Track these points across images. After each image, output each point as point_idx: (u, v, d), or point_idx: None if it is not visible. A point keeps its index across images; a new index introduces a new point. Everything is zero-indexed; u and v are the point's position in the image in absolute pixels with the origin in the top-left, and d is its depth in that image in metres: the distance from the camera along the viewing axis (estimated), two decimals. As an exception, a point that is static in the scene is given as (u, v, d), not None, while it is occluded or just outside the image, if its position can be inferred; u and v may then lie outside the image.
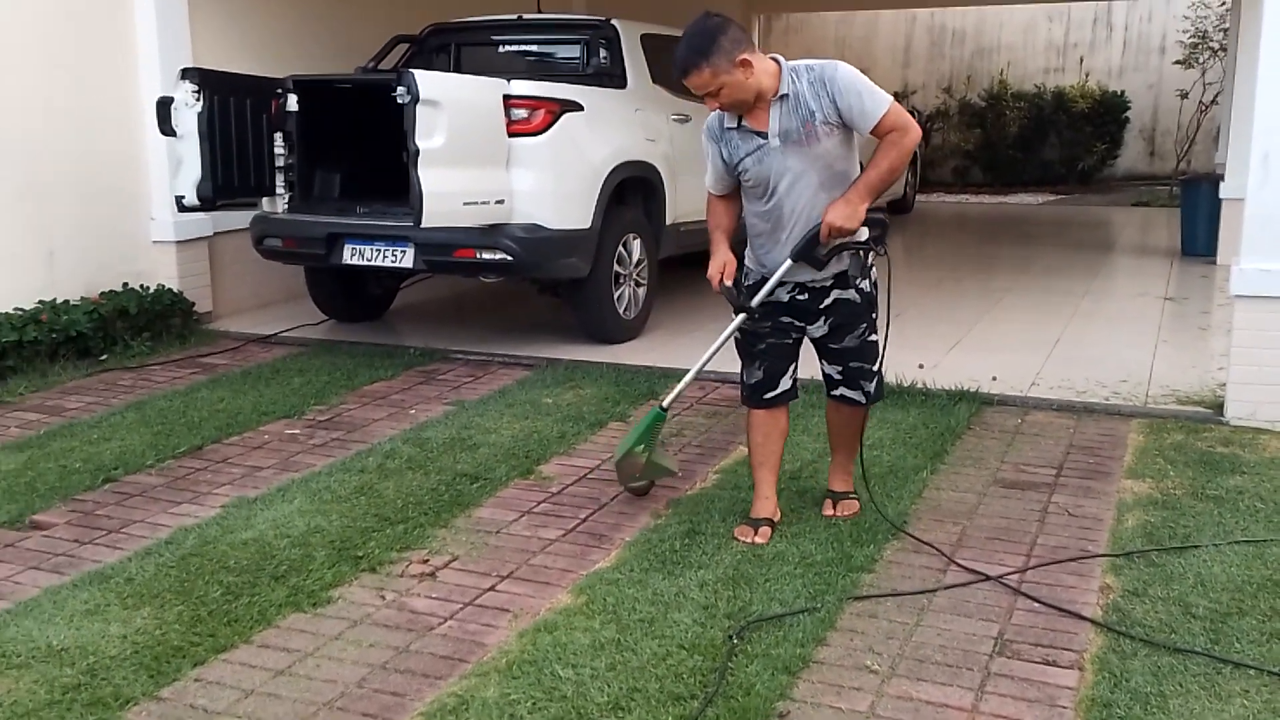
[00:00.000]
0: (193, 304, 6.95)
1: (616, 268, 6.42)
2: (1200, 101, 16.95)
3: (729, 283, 3.69)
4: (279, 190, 6.23)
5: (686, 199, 7.18)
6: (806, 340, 3.86)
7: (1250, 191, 4.77)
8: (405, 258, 5.93)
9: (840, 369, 3.83)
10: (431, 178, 5.26)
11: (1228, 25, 13.93)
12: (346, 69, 7.16)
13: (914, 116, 3.91)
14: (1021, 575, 3.47)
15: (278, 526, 3.87)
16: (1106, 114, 18.28)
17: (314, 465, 4.53)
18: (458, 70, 7.06)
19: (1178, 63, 17.19)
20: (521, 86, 5.75)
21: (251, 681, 2.89)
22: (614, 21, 6.87)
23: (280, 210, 6.28)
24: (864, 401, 3.87)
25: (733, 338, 3.87)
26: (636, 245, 6.61)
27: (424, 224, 5.33)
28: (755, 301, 3.71)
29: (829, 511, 3.97)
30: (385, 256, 5.97)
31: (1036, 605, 3.27)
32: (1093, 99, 18.24)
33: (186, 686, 2.87)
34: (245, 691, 2.84)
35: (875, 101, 3.46)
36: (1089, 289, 8.51)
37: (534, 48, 7.16)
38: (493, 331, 6.95)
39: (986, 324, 7.08)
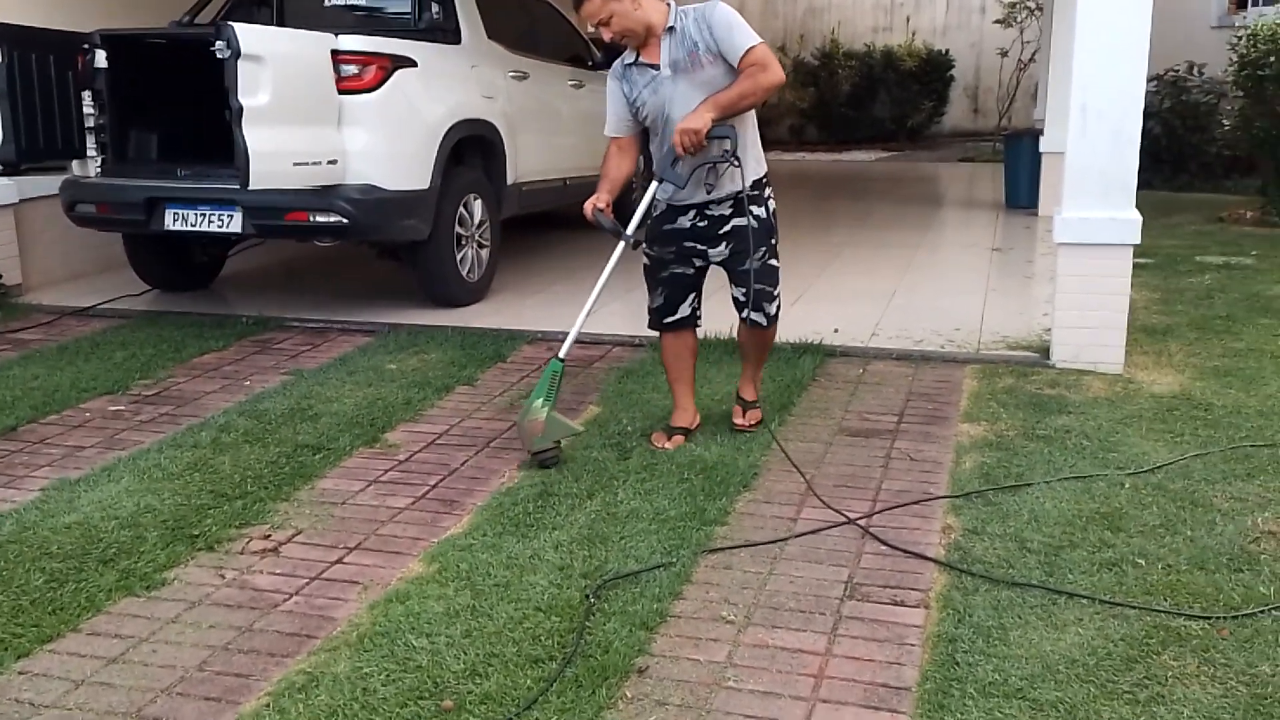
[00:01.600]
0: (0, 276, 6.49)
1: (458, 229, 6.27)
2: (1019, 59, 17.66)
3: (602, 208, 3.96)
4: (90, 152, 5.83)
5: (528, 158, 7.08)
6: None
7: (1070, 142, 4.96)
8: (233, 222, 5.65)
9: (745, 290, 4.08)
10: (257, 137, 5.01)
11: (1043, -14, 14.47)
12: (162, 23, 6.74)
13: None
14: (868, 519, 3.55)
15: (104, 508, 3.64)
16: (932, 72, 18.88)
17: (142, 442, 4.29)
18: (281, 24, 6.74)
19: (997, 22, 17.83)
20: (351, 41, 5.52)
21: (81, 671, 2.71)
22: (446, -26, 6.67)
23: (92, 174, 5.89)
24: (765, 324, 4.17)
25: (642, 268, 4.21)
26: (478, 206, 6.47)
27: (251, 186, 5.08)
28: (630, 229, 4.01)
29: (738, 419, 4.32)
30: (211, 221, 5.67)
31: (884, 548, 3.35)
32: (919, 58, 18.80)
33: (10, 681, 2.68)
34: (75, 682, 2.67)
35: (744, 36, 3.84)
36: (922, 242, 8.79)
37: (361, 1, 6.88)
38: (331, 297, 6.71)
39: (827, 278, 7.23)
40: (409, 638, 2.83)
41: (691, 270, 4.15)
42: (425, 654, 2.76)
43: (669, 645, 2.82)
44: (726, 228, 4.05)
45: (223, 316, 6.18)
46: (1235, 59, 10.09)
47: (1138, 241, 4.97)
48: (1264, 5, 13.05)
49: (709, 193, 3.99)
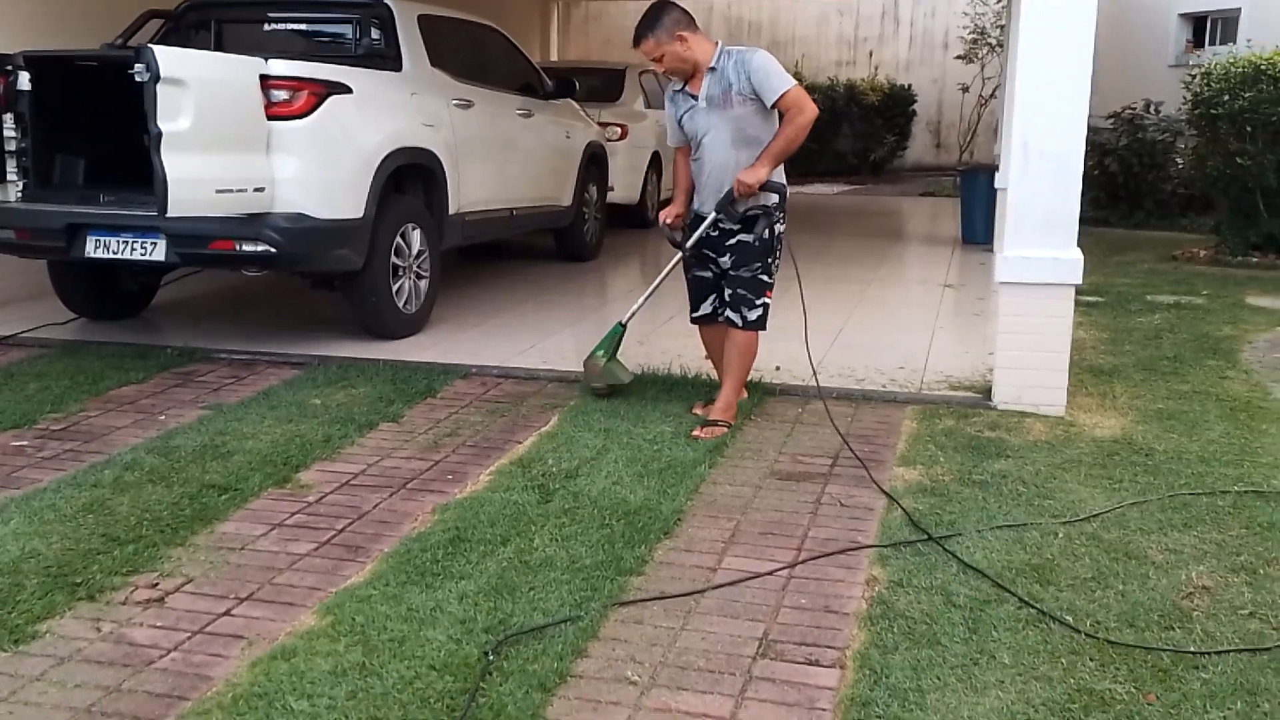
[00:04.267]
0: (-81, 303, 6.27)
1: (395, 259, 6.10)
2: (980, 95, 17.76)
3: (671, 225, 4.77)
4: (10, 177, 5.63)
5: (472, 187, 6.94)
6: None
7: (1012, 180, 4.88)
8: (156, 250, 5.46)
9: (730, 293, 4.67)
10: (177, 163, 4.83)
11: (1004, 22, 14.58)
12: (95, 45, 6.56)
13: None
14: (790, 571, 3.40)
15: (-14, 553, 3.44)
16: (895, 107, 18.97)
17: (39, 481, 4.08)
18: (219, 49, 6.57)
19: (959, 58, 17.97)
20: (280, 66, 5.35)
21: (-73, 738, 2.52)
22: (388, 1, 6.53)
23: (12, 199, 5.69)
24: (740, 325, 4.67)
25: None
26: (416, 236, 6.31)
27: (170, 213, 4.89)
28: (689, 243, 4.72)
29: (696, 432, 4.60)
30: (133, 249, 5.48)
31: (803, 601, 3.20)
32: (882, 92, 18.89)
33: None
34: (-83, 751, 2.47)
35: (780, 81, 4.46)
36: (876, 276, 8.71)
37: (302, 27, 6.73)
38: (263, 329, 6.52)
39: (776, 313, 7.06)
40: (288, 699, 2.65)
41: (710, 274, 4.76)
42: (304, 717, 2.58)
43: (566, 708, 2.65)
44: (732, 241, 4.65)
45: (147, 347, 5.97)
46: (1190, 98, 10.12)
47: (1079, 281, 4.88)
48: (1220, 44, 13.16)
49: (736, 221, 4.64)
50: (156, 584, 3.28)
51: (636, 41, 4.58)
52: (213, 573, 3.36)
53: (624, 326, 5.00)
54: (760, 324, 4.72)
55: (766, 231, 4.62)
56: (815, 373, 5.03)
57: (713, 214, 4.63)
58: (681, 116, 4.67)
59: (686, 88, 4.64)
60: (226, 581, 3.30)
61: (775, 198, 4.58)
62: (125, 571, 3.34)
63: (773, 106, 4.48)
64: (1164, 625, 3.05)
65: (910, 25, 19.35)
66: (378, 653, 2.88)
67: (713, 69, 4.53)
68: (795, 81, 4.52)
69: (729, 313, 4.70)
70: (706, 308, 4.83)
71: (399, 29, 6.50)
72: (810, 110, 4.46)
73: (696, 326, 4.99)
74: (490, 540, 3.58)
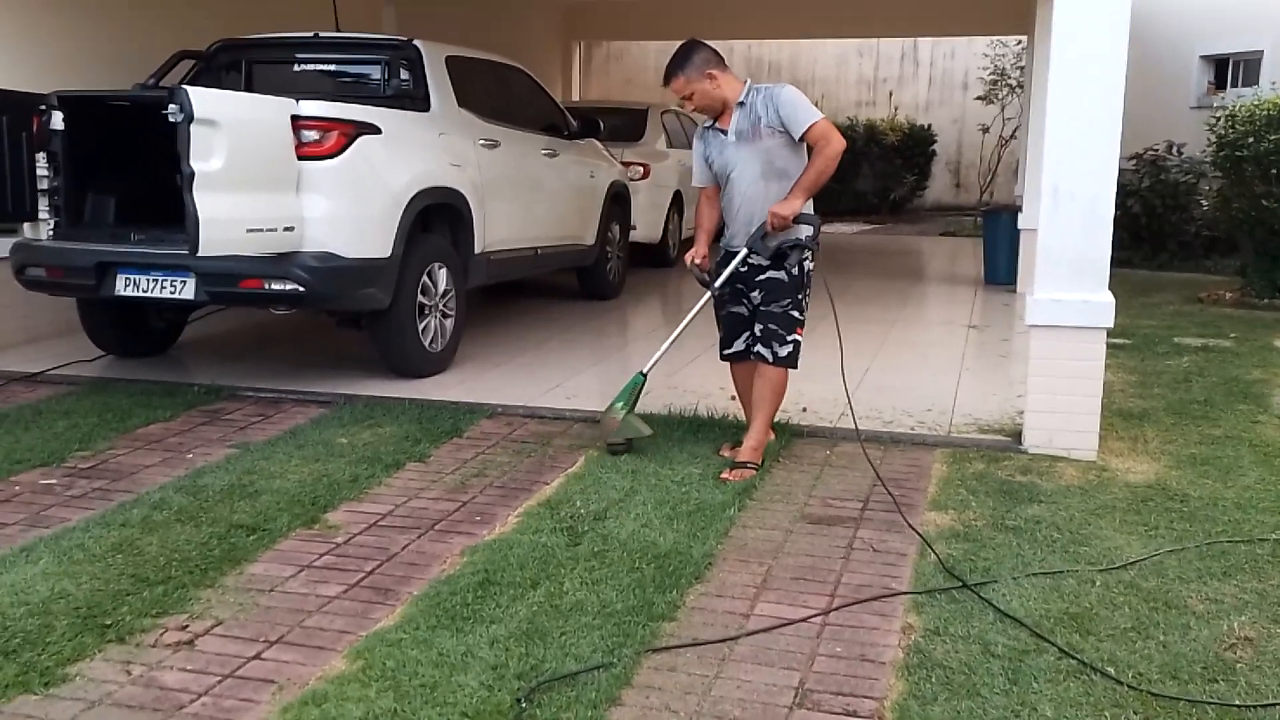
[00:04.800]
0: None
1: (421, 298, 6.12)
2: (1000, 136, 17.79)
3: (699, 262, 4.73)
4: (42, 215, 5.69)
5: (498, 226, 6.96)
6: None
7: (1042, 223, 4.86)
8: (185, 289, 5.49)
9: (761, 328, 4.68)
10: (209, 202, 4.87)
11: (1024, 64, 14.63)
12: (127, 85, 6.64)
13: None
14: (825, 618, 3.36)
15: (16, 592, 3.43)
16: (915, 147, 19.01)
17: (68, 520, 4.07)
18: (250, 90, 6.65)
19: (979, 98, 18.02)
20: (311, 107, 5.40)
21: (-43, 783, 2.49)
22: (416, 42, 6.60)
23: (44, 237, 5.74)
24: (770, 360, 4.67)
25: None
26: (443, 275, 6.33)
27: (201, 252, 4.92)
28: (719, 282, 4.70)
29: (725, 475, 4.58)
30: (163, 287, 5.51)
31: (838, 649, 3.16)
32: (902, 132, 18.94)
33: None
34: (-52, 796, 2.45)
35: (807, 114, 4.51)
36: (899, 317, 8.68)
37: (331, 68, 6.80)
38: (289, 366, 6.54)
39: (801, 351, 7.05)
40: (320, 746, 2.62)
41: (745, 311, 4.76)
42: (336, 766, 2.55)
43: (601, 758, 2.61)
44: (762, 277, 4.66)
45: (174, 385, 5.99)
46: (1214, 139, 10.10)
47: (1111, 325, 4.84)
48: (1242, 86, 13.16)
49: (767, 257, 4.63)
50: (186, 626, 3.26)
51: (667, 80, 4.64)
52: (242, 615, 3.34)
53: (645, 376, 4.93)
54: (792, 361, 4.71)
55: (797, 267, 4.63)
56: (853, 409, 5.03)
57: (743, 250, 4.64)
58: (710, 153, 4.71)
59: (716, 124, 4.69)
60: (256, 624, 3.28)
61: (808, 230, 4.60)
62: (155, 613, 3.32)
63: (801, 139, 4.52)
64: (1207, 677, 2.99)
65: (930, 66, 19.43)
66: (409, 698, 2.85)
67: (741, 104, 4.58)
68: (823, 114, 4.57)
69: (759, 348, 4.70)
70: (739, 345, 4.82)
71: (427, 69, 6.56)
72: (838, 141, 4.49)
73: (727, 365, 4.97)
74: (520, 583, 3.55)
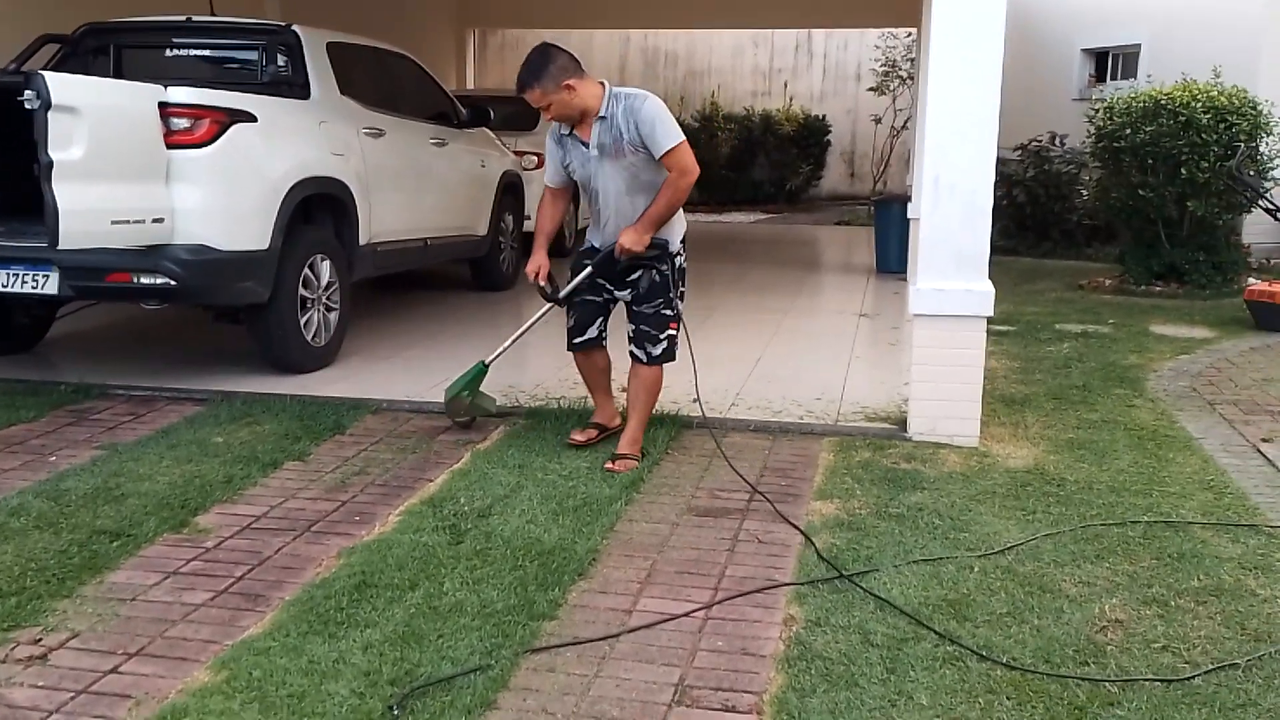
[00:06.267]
0: None
1: (303, 291, 5.94)
2: (892, 126, 18.08)
3: (542, 282, 4.67)
4: (-109, 206, 5.38)
5: (385, 217, 6.80)
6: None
7: (924, 213, 4.91)
8: (48, 284, 5.23)
9: (634, 329, 4.68)
10: (69, 193, 4.64)
11: (914, 55, 14.89)
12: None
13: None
14: (707, 612, 3.33)
15: None
16: (810, 137, 19.20)
17: (-84, 530, 3.85)
18: (119, 76, 6.37)
19: (871, 89, 18.29)
20: (181, 94, 5.18)
21: None
22: (295, 28, 6.39)
23: (-104, 229, 5.42)
24: (645, 360, 4.67)
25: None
26: (326, 267, 6.16)
27: (61, 245, 4.69)
28: (562, 295, 4.70)
29: (609, 465, 4.55)
30: (24, 282, 5.24)
31: (720, 643, 3.13)
32: (797, 122, 19.11)
33: None
34: None
35: (666, 135, 4.38)
36: (793, 306, 8.74)
37: (206, 53, 6.55)
38: (164, 363, 6.29)
39: (694, 343, 7.00)
40: (177, 764, 2.50)
41: (599, 299, 4.72)
42: (193, 784, 2.43)
43: (474, 765, 2.54)
44: (632, 276, 4.63)
45: (39, 384, 5.72)
46: (1093, 130, 10.38)
47: (991, 314, 4.92)
48: (1121, 79, 13.57)
49: (613, 279, 4.66)
50: (39, 639, 3.09)
51: (520, 89, 4.43)
52: (100, 626, 3.18)
53: (486, 367, 5.01)
54: (667, 356, 4.70)
55: (668, 267, 4.60)
56: (701, 405, 5.03)
57: (588, 268, 4.63)
58: (571, 161, 4.59)
59: (575, 132, 4.53)
60: (115, 636, 3.13)
61: (659, 249, 4.56)
62: (6, 627, 3.15)
63: (660, 160, 4.41)
64: (1079, 660, 3.04)
65: (824, 57, 19.63)
66: (275, 710, 2.74)
67: (602, 117, 4.42)
68: (682, 137, 4.43)
69: (632, 348, 4.69)
70: (592, 331, 4.78)
71: (307, 56, 6.37)
72: (693, 172, 4.43)
73: (574, 355, 4.90)
74: (398, 585, 3.46)
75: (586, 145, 4.49)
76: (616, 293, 4.71)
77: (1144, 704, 2.81)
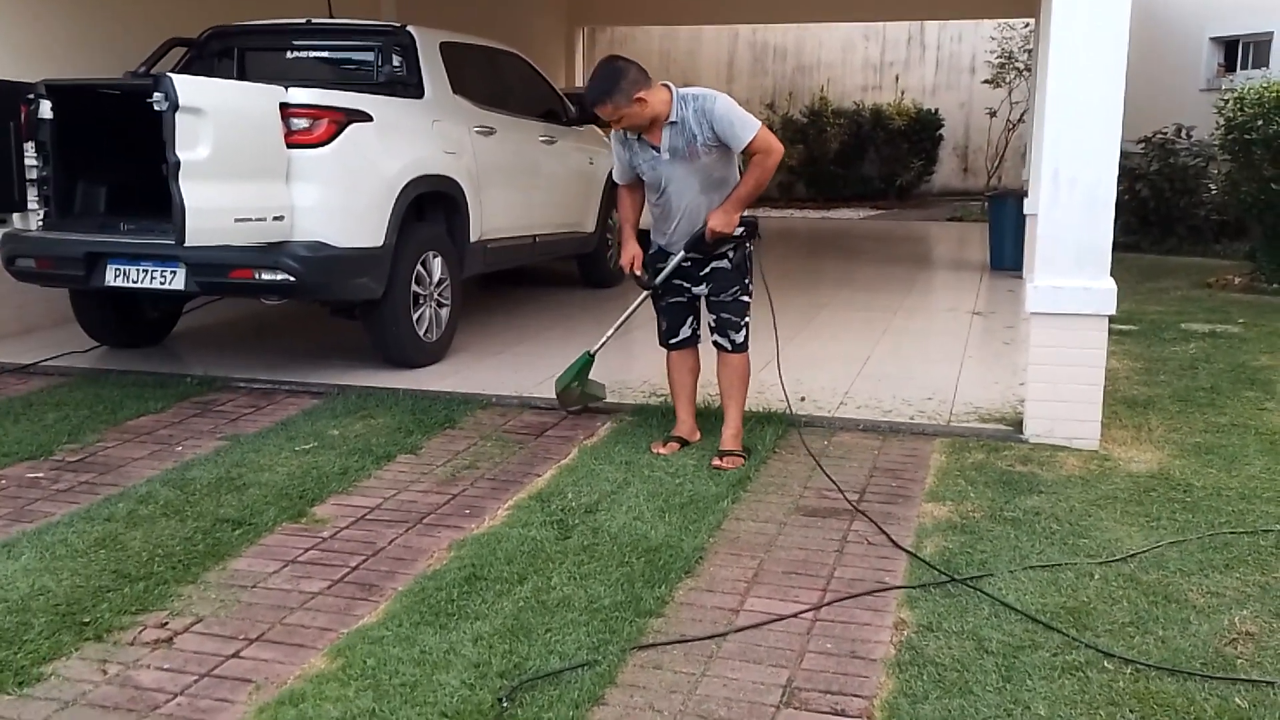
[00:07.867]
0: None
1: (415, 288, 6.05)
2: (1008, 120, 17.63)
3: (639, 272, 4.72)
4: (31, 205, 5.63)
5: (494, 214, 6.89)
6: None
7: (1042, 209, 4.77)
8: (175, 279, 5.44)
9: (714, 318, 4.72)
10: (195, 192, 4.81)
11: (1031, 46, 14.48)
12: (119, 73, 6.58)
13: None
14: (815, 613, 3.29)
15: (-5, 589, 3.38)
16: (922, 131, 18.85)
17: (52, 514, 4.02)
18: (242, 77, 6.58)
19: (986, 82, 17.86)
20: (300, 95, 5.33)
21: (-76, 787, 2.44)
22: (410, 28, 6.51)
23: (33, 227, 5.68)
24: (730, 348, 4.70)
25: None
26: (438, 264, 6.26)
27: (188, 242, 4.87)
28: (658, 281, 4.71)
29: (715, 462, 4.55)
30: (153, 278, 5.45)
31: (828, 646, 3.09)
32: (909, 116, 18.79)
33: None
34: (-87, 800, 2.40)
35: (745, 128, 4.38)
36: (902, 304, 8.59)
37: (324, 54, 6.72)
38: (283, 357, 6.48)
39: (800, 341, 6.98)
40: (295, 748, 2.56)
41: (684, 299, 4.77)
42: (310, 768, 2.49)
43: (582, 760, 2.55)
44: (706, 269, 4.66)
45: (167, 376, 5.94)
46: (1222, 122, 9.97)
47: (1112, 312, 4.75)
48: (1252, 68, 13.00)
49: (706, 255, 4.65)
50: (165, 623, 3.21)
51: (593, 104, 4.42)
52: (223, 612, 3.28)
53: (592, 356, 5.16)
54: (747, 344, 4.75)
55: (739, 254, 4.65)
56: (789, 404, 5.09)
57: (681, 253, 4.64)
58: (640, 164, 4.58)
59: (643, 137, 4.52)
60: (237, 621, 3.23)
61: (747, 227, 4.61)
62: (135, 610, 3.27)
63: (743, 151, 4.45)
64: (1208, 674, 2.91)
65: (937, 49, 19.25)
66: (388, 698, 2.79)
67: (673, 122, 4.42)
68: (759, 122, 4.46)
69: (717, 338, 4.72)
70: (686, 331, 4.82)
71: (421, 56, 6.48)
72: (777, 151, 4.46)
73: (667, 354, 4.93)
74: (507, 579, 3.49)
75: (655, 149, 4.49)
76: (694, 289, 4.73)
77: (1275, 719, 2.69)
